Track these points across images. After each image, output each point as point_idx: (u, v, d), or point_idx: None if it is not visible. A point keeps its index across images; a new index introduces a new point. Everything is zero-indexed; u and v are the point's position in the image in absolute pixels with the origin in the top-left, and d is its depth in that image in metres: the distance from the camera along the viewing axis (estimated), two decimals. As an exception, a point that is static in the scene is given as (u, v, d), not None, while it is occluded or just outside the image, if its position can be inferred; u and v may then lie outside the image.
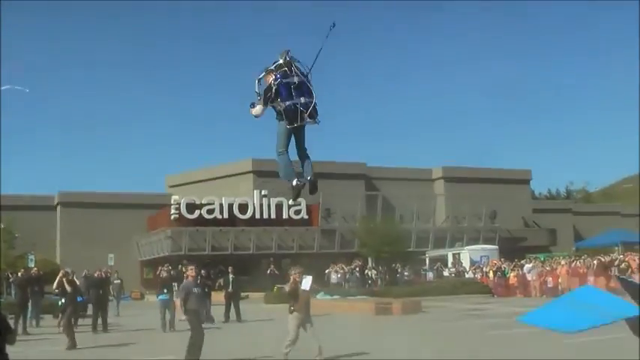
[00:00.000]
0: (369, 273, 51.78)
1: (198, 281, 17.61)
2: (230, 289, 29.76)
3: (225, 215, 57.40)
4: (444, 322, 27.46)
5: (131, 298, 51.88)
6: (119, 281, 38.57)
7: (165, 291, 27.12)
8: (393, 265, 53.64)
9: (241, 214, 57.80)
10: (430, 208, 63.63)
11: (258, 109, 10.85)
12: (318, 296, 39.62)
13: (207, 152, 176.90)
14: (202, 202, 57.57)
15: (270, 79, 10.75)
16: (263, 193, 59.02)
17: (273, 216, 58.60)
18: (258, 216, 58.29)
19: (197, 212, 56.96)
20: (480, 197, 64.82)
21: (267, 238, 57.81)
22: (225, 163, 66.39)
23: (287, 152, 11.14)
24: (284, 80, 10.75)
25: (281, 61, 10.92)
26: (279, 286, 46.39)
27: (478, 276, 49.88)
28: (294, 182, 10.99)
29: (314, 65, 10.98)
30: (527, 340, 19.30)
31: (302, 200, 58.59)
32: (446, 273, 54.26)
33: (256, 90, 10.89)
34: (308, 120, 10.86)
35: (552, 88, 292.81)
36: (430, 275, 55.27)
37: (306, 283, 17.22)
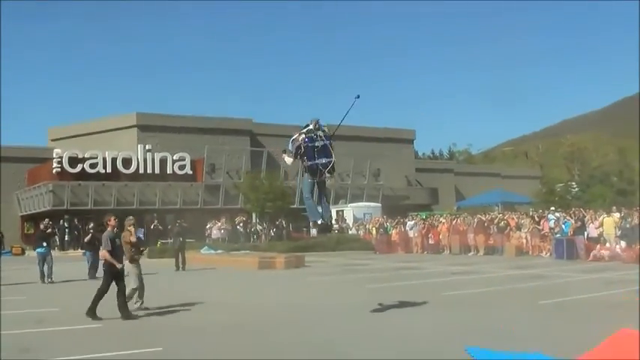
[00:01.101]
0: (254, 228, 52.20)
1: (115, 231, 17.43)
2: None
3: (109, 169, 56.55)
4: (324, 275, 27.92)
5: (12, 254, 50.82)
6: (-1, 236, 37.83)
7: (44, 244, 27.08)
8: (278, 220, 54.02)
9: (125, 168, 57.05)
10: (315, 165, 63.86)
11: (290, 160, 15.52)
12: (202, 250, 39.93)
13: (91, 105, 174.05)
14: (85, 155, 56.51)
15: (300, 137, 15.02)
16: (147, 147, 58.38)
17: (157, 171, 58.04)
18: (142, 171, 57.63)
19: (79, 166, 55.96)
20: (364, 155, 65.53)
21: (150, 193, 57.34)
22: (109, 116, 65.12)
23: (312, 197, 15.53)
24: (310, 144, 14.82)
25: (311, 127, 14.97)
26: (162, 241, 46.42)
27: (361, 233, 50.74)
28: (320, 221, 15.40)
29: (336, 131, 15.42)
30: (405, 292, 19.83)
31: (186, 155, 58.46)
32: (329, 229, 54.80)
33: (289, 148, 15.29)
34: (326, 175, 15.21)
35: (437, 53, 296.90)
36: (314, 231, 55.87)
37: (139, 233, 17.62)
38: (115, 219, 17.13)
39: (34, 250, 27.83)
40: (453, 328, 13.75)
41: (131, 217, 18.14)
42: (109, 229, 16.76)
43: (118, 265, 16.11)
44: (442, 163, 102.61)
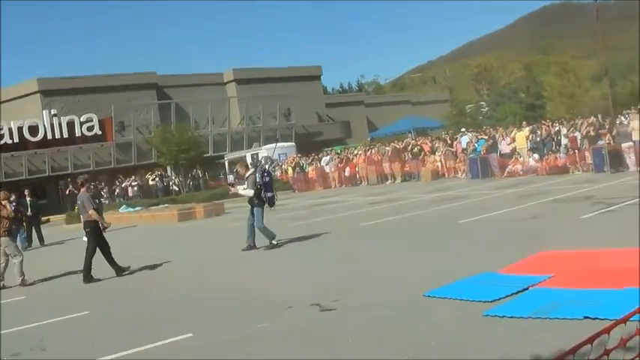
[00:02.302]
0: (170, 182, 52.01)
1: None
2: (29, 213, 28.95)
3: (16, 139, 55.39)
4: (245, 220, 27.86)
5: None
6: None
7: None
8: (193, 171, 53.83)
9: (32, 136, 55.97)
10: (224, 111, 63.64)
11: (249, 192, 17.09)
12: (121, 209, 39.56)
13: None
14: (-11, 128, 55.43)
15: (248, 172, 17.47)
16: (52, 112, 57.33)
17: (65, 135, 57.12)
18: (50, 137, 56.65)
19: (-15, 140, 54.88)
20: (273, 96, 65.39)
21: (61, 159, 56.47)
22: (9, 85, 63.62)
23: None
24: (269, 178, 17.32)
25: (266, 167, 17.51)
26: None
27: (278, 173, 50.72)
28: (275, 241, 17.05)
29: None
30: (325, 226, 20.03)
31: (93, 116, 57.57)
32: (246, 174, 54.77)
33: (257, 179, 16.92)
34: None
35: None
36: (231, 178, 55.82)
37: (10, 206, 17.33)
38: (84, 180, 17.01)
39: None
40: (374, 256, 13.90)
41: (5, 191, 17.81)
42: (83, 190, 16.46)
43: (105, 224, 16.23)
44: (352, 96, 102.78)
